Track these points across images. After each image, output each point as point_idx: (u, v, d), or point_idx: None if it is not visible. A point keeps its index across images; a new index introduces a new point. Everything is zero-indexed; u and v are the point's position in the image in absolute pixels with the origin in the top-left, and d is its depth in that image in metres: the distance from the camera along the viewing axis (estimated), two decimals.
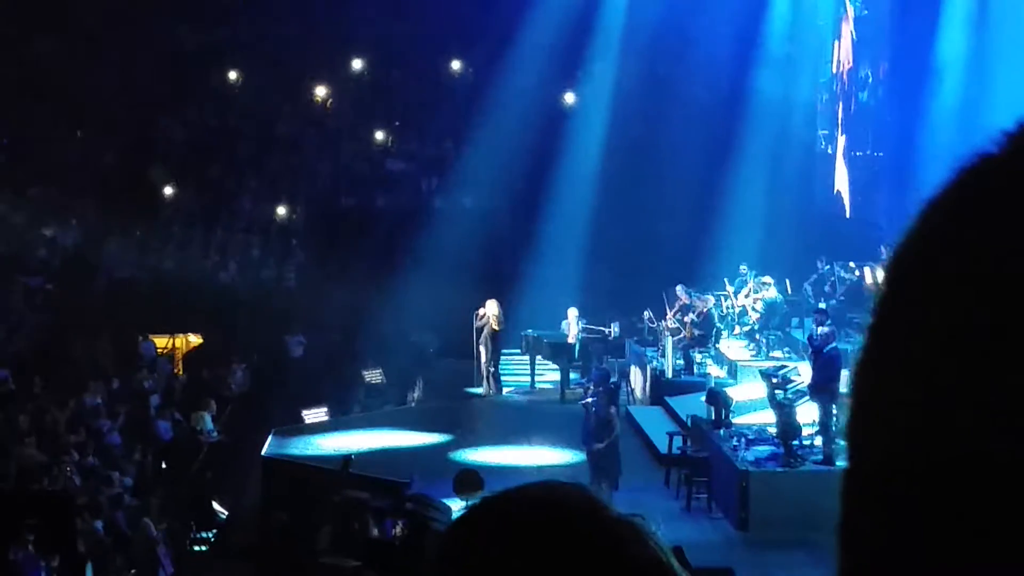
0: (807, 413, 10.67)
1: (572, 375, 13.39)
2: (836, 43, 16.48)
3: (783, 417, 10.61)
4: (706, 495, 11.07)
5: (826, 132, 17.20)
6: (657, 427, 12.29)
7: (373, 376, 13.58)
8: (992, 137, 0.37)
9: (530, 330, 14.11)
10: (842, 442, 8.27)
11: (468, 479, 9.00)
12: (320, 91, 17.31)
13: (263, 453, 11.59)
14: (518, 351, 14.46)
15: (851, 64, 15.46)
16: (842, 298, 12.88)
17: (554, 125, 15.81)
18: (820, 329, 10.76)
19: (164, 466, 11.74)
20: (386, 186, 17.98)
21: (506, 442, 12.13)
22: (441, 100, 17.92)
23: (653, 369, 13.48)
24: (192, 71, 16.52)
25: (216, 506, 11.43)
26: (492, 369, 13.67)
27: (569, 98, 16.20)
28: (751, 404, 11.91)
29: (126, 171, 16.14)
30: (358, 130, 17.85)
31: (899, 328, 0.37)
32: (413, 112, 18.23)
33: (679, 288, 13.33)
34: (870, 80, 15.80)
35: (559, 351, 13.67)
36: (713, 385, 12.49)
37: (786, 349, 13.22)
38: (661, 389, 13.16)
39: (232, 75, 17.45)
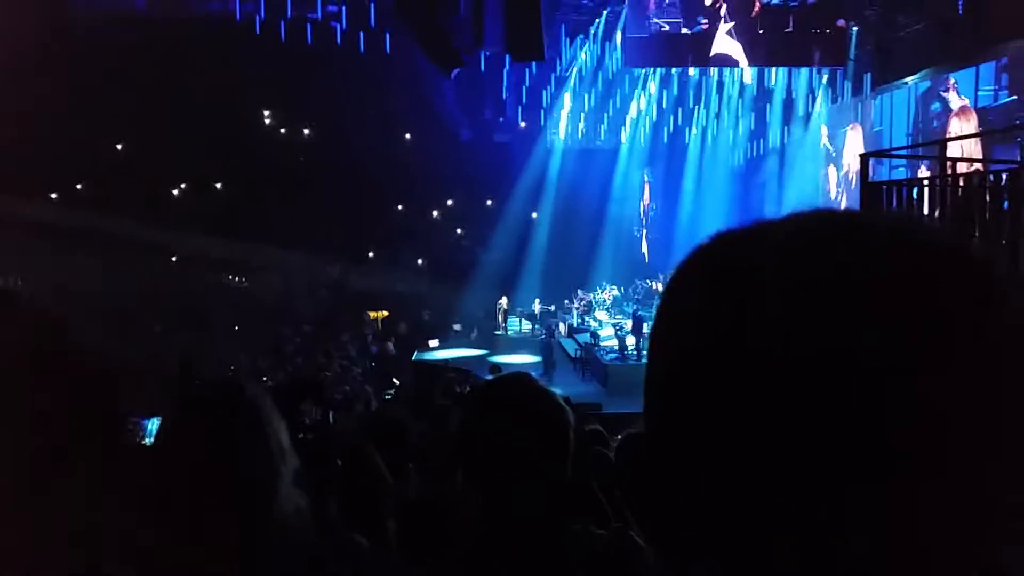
0: (629, 339, 20.12)
1: (536, 326, 25.42)
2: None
3: (619, 341, 20.17)
4: (590, 372, 19.83)
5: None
6: (570, 346, 22.83)
7: (458, 326, 26.29)
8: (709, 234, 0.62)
9: (520, 307, 26.89)
10: (643, 352, 22.38)
11: (494, 369, 17.23)
12: None
13: (412, 359, 22.85)
14: (514, 316, 26.81)
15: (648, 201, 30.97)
16: (640, 295, 24.99)
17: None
18: (636, 307, 24.17)
19: (373, 364, 24.80)
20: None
21: (510, 351, 22.91)
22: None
23: (568, 323, 25.19)
24: None
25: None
26: (504, 324, 26.33)
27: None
28: (607, 336, 21.47)
29: None
30: None
31: (659, 328, 0.61)
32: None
33: (579, 291, 26.22)
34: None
35: (531, 317, 26.24)
36: (591, 329, 22.97)
37: (620, 315, 24.08)
38: (571, 331, 24.06)
39: None
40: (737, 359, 0.54)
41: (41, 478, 1.10)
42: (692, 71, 20.04)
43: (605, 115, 26.48)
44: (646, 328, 20.97)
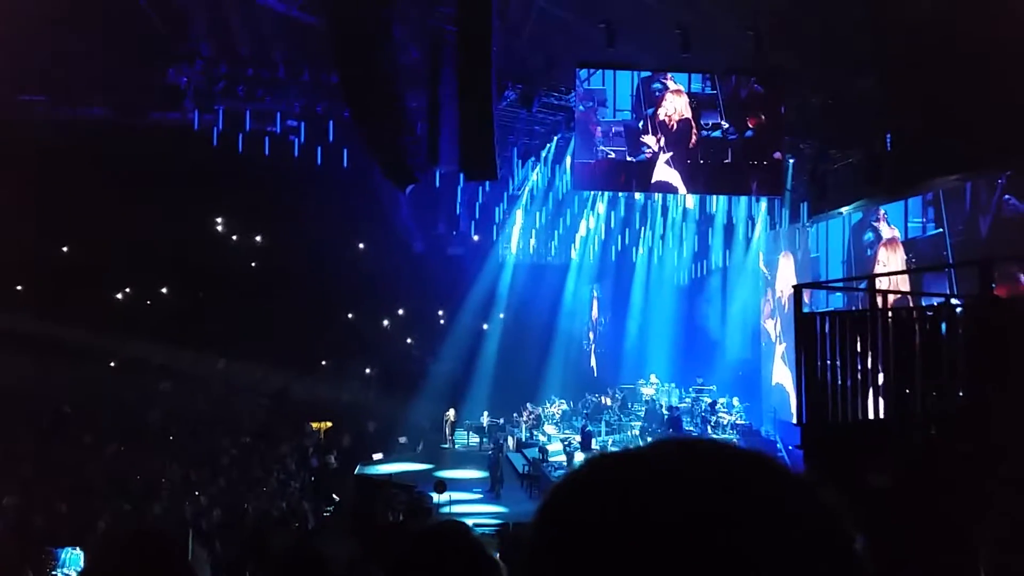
0: (578, 455, 20.01)
1: (484, 439, 25.31)
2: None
3: (568, 456, 20.33)
4: (537, 489, 19.10)
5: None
6: (518, 461, 22.41)
7: (403, 439, 25.58)
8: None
9: (467, 420, 27.20)
10: None
11: (439, 485, 16.97)
12: None
13: (355, 472, 22.04)
14: (461, 429, 26.99)
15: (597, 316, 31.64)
16: (589, 410, 25.26)
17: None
18: (584, 422, 24.17)
19: (313, 478, 23.98)
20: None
21: (456, 466, 22.44)
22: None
23: (516, 437, 24.79)
24: None
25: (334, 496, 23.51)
26: (451, 437, 26.45)
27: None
28: (556, 451, 21.47)
29: None
30: None
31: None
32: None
33: (528, 404, 26.29)
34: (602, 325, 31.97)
35: (479, 430, 26.19)
36: (540, 444, 22.88)
37: (569, 430, 24.63)
38: (520, 446, 23.75)
39: None
40: None
41: None
42: (638, 195, 20.78)
43: (555, 232, 27.15)
44: (595, 444, 20.95)
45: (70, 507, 16.26)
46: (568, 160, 19.43)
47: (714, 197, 20.29)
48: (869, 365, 7.39)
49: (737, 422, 21.53)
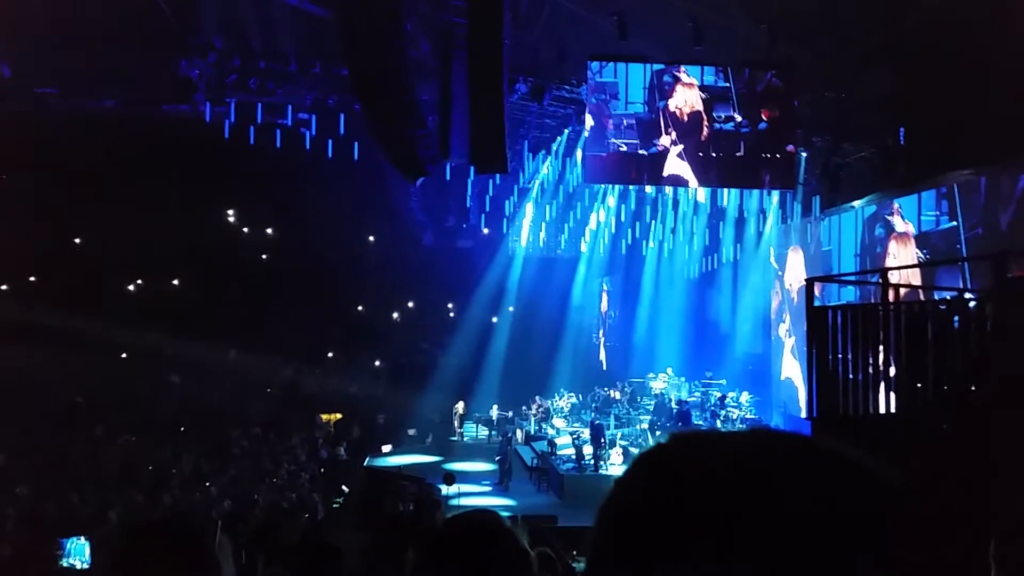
0: (586, 448, 19.60)
1: (493, 432, 25.60)
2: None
3: (577, 450, 19.54)
4: (546, 483, 19.49)
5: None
6: (526, 454, 22.03)
7: (412, 431, 25.91)
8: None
9: (477, 413, 27.05)
10: (601, 462, 22.46)
11: (448, 477, 16.89)
12: None
13: (364, 464, 22.22)
14: (471, 421, 26.94)
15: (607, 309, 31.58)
16: (598, 403, 25.13)
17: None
18: (593, 416, 23.34)
19: (322, 469, 22.97)
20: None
21: (465, 458, 22.60)
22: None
23: (525, 430, 24.79)
24: None
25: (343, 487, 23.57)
26: (460, 429, 26.58)
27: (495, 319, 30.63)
28: (564, 444, 21.13)
29: None
30: None
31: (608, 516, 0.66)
32: None
33: (538, 397, 26.31)
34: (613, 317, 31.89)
35: (488, 422, 26.22)
36: (549, 437, 22.62)
37: (578, 423, 24.17)
38: (528, 439, 23.75)
39: None
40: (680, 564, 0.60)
41: None
42: (649, 188, 20.71)
43: (566, 225, 27.10)
44: (604, 438, 20.88)
45: (82, 497, 16.36)
46: (579, 153, 19.37)
47: (725, 190, 20.18)
48: (881, 359, 7.32)
49: (746, 416, 21.44)
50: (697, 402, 23.14)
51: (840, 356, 7.37)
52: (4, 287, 26.64)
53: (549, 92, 17.45)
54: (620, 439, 20.92)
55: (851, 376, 7.31)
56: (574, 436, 21.98)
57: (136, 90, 16.99)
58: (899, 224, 16.93)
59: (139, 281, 28.67)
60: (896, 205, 17.02)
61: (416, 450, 24.46)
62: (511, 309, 30.51)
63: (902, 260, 16.15)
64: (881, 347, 7.32)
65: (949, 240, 15.29)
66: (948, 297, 8.26)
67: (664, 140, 16.41)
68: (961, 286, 12.54)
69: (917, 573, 0.61)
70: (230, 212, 29.83)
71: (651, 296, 28.93)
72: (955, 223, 15.22)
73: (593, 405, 25.43)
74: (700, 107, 16.60)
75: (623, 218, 25.31)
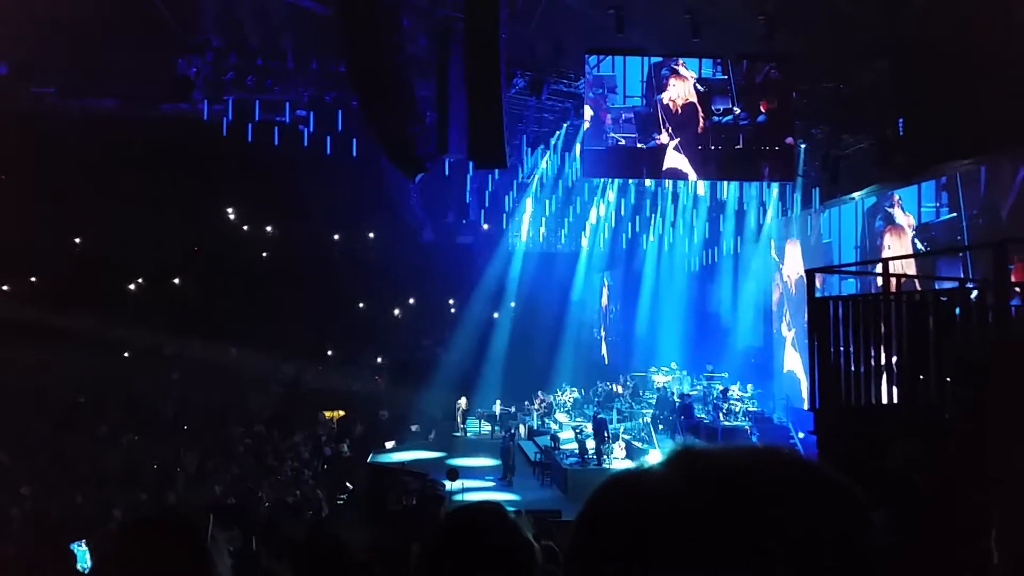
0: (589, 442, 19.57)
1: (495, 427, 25.48)
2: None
3: (580, 444, 19.64)
4: (550, 477, 19.58)
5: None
6: (529, 449, 22.27)
7: (415, 427, 26.06)
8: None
9: (479, 408, 27.11)
10: (604, 456, 22.47)
11: (451, 472, 16.57)
12: None
13: (367, 461, 22.45)
14: (473, 417, 26.98)
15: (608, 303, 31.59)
16: (600, 398, 25.47)
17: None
18: (596, 410, 23.83)
19: (326, 466, 23.57)
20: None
21: (468, 454, 22.51)
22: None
23: (528, 425, 24.78)
24: None
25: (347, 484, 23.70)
26: (463, 425, 26.62)
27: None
28: (567, 439, 20.95)
29: None
30: None
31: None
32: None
33: (540, 392, 26.38)
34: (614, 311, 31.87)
35: (491, 418, 26.12)
36: (552, 432, 22.45)
37: (581, 417, 24.54)
38: (531, 434, 23.77)
39: None
40: None
41: None
42: (648, 182, 20.68)
43: (566, 220, 27.09)
44: (607, 432, 20.89)
45: (85, 497, 16.38)
46: (578, 147, 19.34)
47: (725, 183, 20.17)
48: (882, 350, 7.32)
49: (749, 409, 21.45)
50: (699, 395, 23.16)
51: (842, 347, 7.36)
52: (5, 287, 26.58)
53: (547, 86, 17.42)
54: (623, 433, 20.94)
55: (853, 367, 7.30)
56: (577, 430, 21.98)
57: (134, 89, 16.96)
58: (899, 215, 16.91)
59: (140, 280, 28.66)
60: (896, 196, 17.00)
61: (419, 446, 24.45)
62: (512, 305, 30.52)
63: (897, 252, 16.13)
64: (883, 338, 7.31)
65: (950, 231, 15.27)
66: (949, 287, 8.24)
67: (662, 134, 16.38)
68: (962, 277, 12.53)
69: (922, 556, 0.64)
70: (230, 210, 29.80)
71: (652, 290, 28.93)
72: (956, 214, 15.20)
73: (595, 399, 25.47)
74: (695, 99, 16.57)
75: (623, 212, 25.31)
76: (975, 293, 7.25)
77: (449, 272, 29.21)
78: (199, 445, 21.57)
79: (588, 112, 16.75)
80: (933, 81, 13.44)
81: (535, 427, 24.44)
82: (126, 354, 26.50)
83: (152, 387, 25.16)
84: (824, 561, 0.65)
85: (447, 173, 19.87)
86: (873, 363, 7.33)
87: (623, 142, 16.56)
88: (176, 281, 29.19)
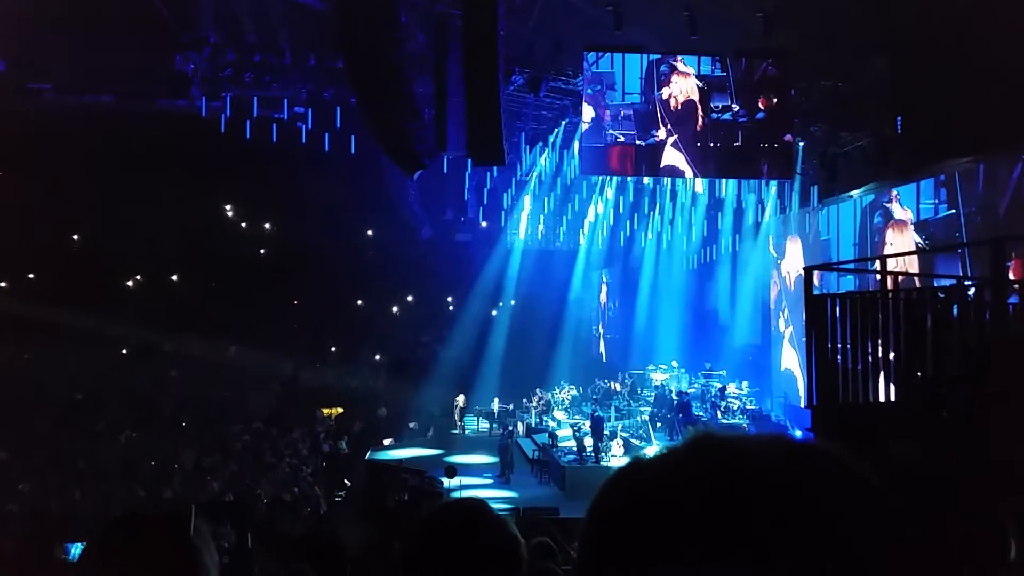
0: (587, 440, 19.65)
1: (494, 425, 25.68)
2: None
3: (578, 442, 19.55)
4: (548, 475, 19.68)
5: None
6: (527, 446, 22.32)
7: (413, 425, 26.29)
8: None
9: (477, 406, 27.22)
10: (602, 454, 22.49)
11: (449, 470, 16.72)
12: None
13: (366, 458, 22.57)
14: (471, 415, 26.95)
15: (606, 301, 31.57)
16: (598, 395, 25.22)
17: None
18: (594, 408, 22.76)
19: (324, 463, 23.08)
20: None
21: (466, 451, 22.44)
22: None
23: (526, 423, 24.99)
24: None
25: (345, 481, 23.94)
26: (461, 423, 26.58)
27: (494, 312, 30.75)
28: (565, 436, 21.02)
29: None
30: None
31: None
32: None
33: (538, 390, 26.46)
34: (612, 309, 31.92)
35: (489, 415, 26.41)
36: (550, 429, 22.65)
37: (579, 415, 24.18)
38: (530, 431, 23.94)
39: None
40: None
41: None
42: (647, 180, 20.66)
43: (564, 218, 27.09)
44: (604, 429, 20.89)
45: (83, 493, 16.38)
46: (576, 145, 19.33)
47: (723, 181, 20.15)
48: (880, 347, 7.31)
49: (747, 407, 21.45)
50: (697, 393, 23.16)
51: (839, 344, 7.35)
52: (3, 284, 26.56)
53: (545, 83, 17.41)
54: (621, 431, 20.94)
55: (850, 364, 7.29)
56: (575, 428, 21.99)
57: (132, 85, 16.93)
58: (898, 212, 16.91)
59: (138, 276, 28.64)
60: (895, 193, 17.00)
61: (417, 443, 24.67)
62: (512, 302, 30.52)
63: (899, 248, 16.13)
64: (881, 335, 7.30)
65: (948, 228, 15.27)
66: (948, 284, 8.23)
67: (661, 131, 16.37)
68: (961, 274, 12.53)
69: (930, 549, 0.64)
70: (228, 207, 29.77)
71: (650, 287, 28.93)
72: (954, 211, 15.20)
73: (593, 397, 25.40)
74: (695, 96, 16.55)
75: (621, 210, 25.30)
76: (973, 290, 7.24)
77: (447, 269, 29.21)
78: (197, 442, 21.57)
79: (587, 109, 16.73)
80: (932, 79, 13.43)
81: (533, 425, 24.50)
82: (124, 351, 26.48)
83: (150, 384, 25.14)
84: (855, 553, 0.64)
85: (446, 170, 19.86)
86: (871, 360, 7.32)
87: (622, 139, 16.54)
88: (174, 278, 29.16)
